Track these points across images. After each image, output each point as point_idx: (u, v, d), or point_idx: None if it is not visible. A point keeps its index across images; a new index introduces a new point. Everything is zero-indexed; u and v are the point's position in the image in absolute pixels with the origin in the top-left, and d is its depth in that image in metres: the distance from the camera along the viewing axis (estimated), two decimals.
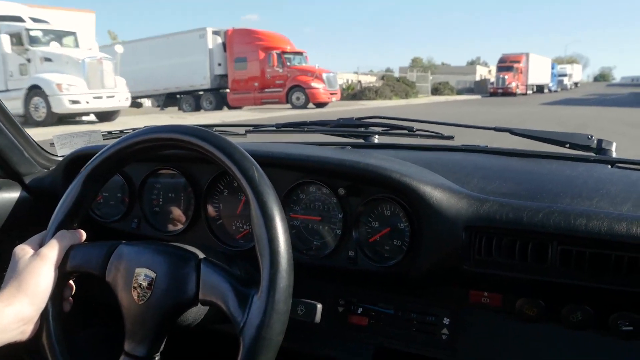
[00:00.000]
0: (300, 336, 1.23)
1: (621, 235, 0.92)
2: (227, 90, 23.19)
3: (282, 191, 1.21)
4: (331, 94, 22.03)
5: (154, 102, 25.64)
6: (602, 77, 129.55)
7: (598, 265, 0.94)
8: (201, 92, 23.29)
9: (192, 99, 23.43)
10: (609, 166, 1.25)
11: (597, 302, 1.02)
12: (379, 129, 1.47)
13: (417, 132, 1.40)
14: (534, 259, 0.98)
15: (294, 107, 20.96)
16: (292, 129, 1.53)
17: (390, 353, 1.18)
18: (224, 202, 1.32)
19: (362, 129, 1.50)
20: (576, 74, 67.74)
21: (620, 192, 1.05)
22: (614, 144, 1.35)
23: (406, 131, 1.41)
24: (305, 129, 1.50)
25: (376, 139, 1.55)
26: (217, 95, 23.20)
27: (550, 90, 47.84)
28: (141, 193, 1.40)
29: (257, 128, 1.58)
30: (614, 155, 1.33)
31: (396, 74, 41.13)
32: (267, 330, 0.78)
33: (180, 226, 1.36)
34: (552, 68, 51.04)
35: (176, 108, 23.82)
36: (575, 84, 66.86)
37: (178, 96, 23.77)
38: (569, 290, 1.00)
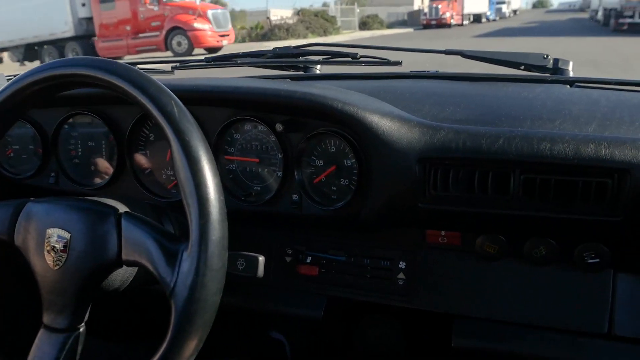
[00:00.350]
0: (245, 291, 1.14)
1: (589, 159, 0.84)
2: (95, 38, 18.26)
3: (214, 131, 1.08)
4: (221, 35, 17.87)
5: (11, 56, 19.89)
6: (540, 3, 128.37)
7: (564, 193, 0.86)
8: (66, 41, 18.25)
9: (54, 51, 18.06)
10: (568, 86, 1.17)
11: (561, 234, 0.95)
12: (320, 58, 1.34)
13: (362, 59, 1.28)
14: (494, 190, 0.89)
15: (176, 54, 16.90)
16: (224, 62, 1.37)
17: (344, 303, 1.10)
18: (151, 149, 1.18)
19: (301, 59, 1.36)
20: (515, 1, 65.26)
21: (582, 112, 0.97)
22: (571, 63, 1.27)
23: (349, 58, 1.29)
24: (239, 61, 1.35)
25: (317, 70, 1.42)
26: (85, 44, 18.15)
27: (488, 20, 45.55)
28: (56, 143, 1.24)
29: (184, 63, 1.42)
30: (571, 74, 1.24)
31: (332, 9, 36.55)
32: (201, 290, 0.68)
33: (104, 178, 1.21)
34: None
35: (39, 62, 17.35)
36: (514, 11, 64.26)
37: (36, 48, 18.62)
38: (531, 223, 0.93)
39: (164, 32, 17.14)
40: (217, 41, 17.48)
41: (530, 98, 1.08)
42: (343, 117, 0.95)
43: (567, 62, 1.28)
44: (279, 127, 1.02)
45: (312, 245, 1.12)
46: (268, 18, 27.09)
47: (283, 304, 1.14)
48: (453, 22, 34.45)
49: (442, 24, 33.30)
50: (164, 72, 1.39)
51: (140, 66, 1.39)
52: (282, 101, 1.01)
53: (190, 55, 15.89)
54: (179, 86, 1.02)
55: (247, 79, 1.20)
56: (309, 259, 1.12)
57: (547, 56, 1.27)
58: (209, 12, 17.43)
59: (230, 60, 1.36)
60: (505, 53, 1.28)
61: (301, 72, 1.40)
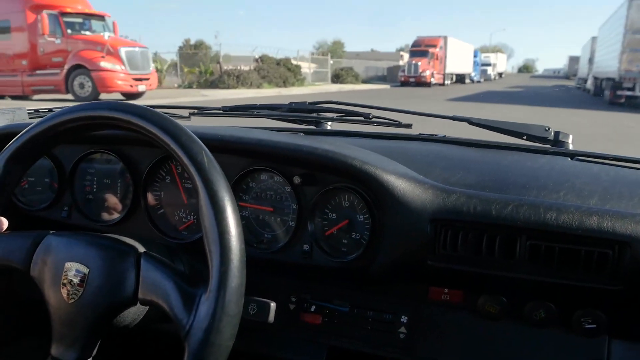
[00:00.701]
0: (249, 336, 1.15)
1: (592, 230, 0.89)
2: None
3: (231, 179, 1.12)
4: (137, 79, 14.49)
5: None
6: (525, 68, 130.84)
7: (566, 260, 0.91)
8: None
9: None
10: (569, 158, 1.23)
11: (561, 299, 0.99)
12: (334, 115, 1.39)
13: (374, 119, 1.34)
14: (501, 253, 0.93)
15: (78, 98, 13.83)
16: (240, 112, 1.43)
17: (345, 353, 1.12)
18: (166, 190, 1.21)
19: (315, 115, 1.42)
20: (500, 64, 63.46)
21: (585, 185, 1.03)
22: (570, 137, 1.34)
23: (362, 118, 1.35)
24: (255, 112, 1.41)
25: (329, 126, 1.48)
26: None
27: (472, 81, 44.04)
28: (72, 178, 1.27)
29: (201, 110, 1.47)
30: (571, 147, 1.31)
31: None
32: (217, 335, 0.70)
33: (116, 215, 1.24)
34: (475, 56, 46.75)
35: None
36: (500, 74, 62.89)
37: None
38: (533, 287, 0.97)
39: (64, 70, 14.16)
40: (131, 85, 14.37)
41: (535, 168, 1.14)
42: (361, 175, 0.99)
43: (567, 135, 1.34)
44: (296, 179, 1.07)
45: (317, 294, 1.14)
46: (218, 63, 23.63)
47: (285, 350, 1.15)
48: (434, 80, 31.97)
49: (421, 83, 30.64)
50: (181, 117, 1.44)
51: (160, 110, 1.44)
52: (303, 157, 1.06)
53: (97, 99, 12.09)
54: (205, 134, 1.06)
55: (264, 131, 1.25)
56: (313, 308, 1.14)
57: (549, 128, 1.34)
58: (122, 50, 14.30)
59: (246, 110, 1.41)
60: (508, 123, 1.35)
61: (313, 127, 1.46)
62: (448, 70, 35.80)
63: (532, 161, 1.19)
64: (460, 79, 40.51)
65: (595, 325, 0.97)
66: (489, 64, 54.20)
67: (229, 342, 0.71)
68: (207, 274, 0.72)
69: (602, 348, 0.98)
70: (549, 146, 1.31)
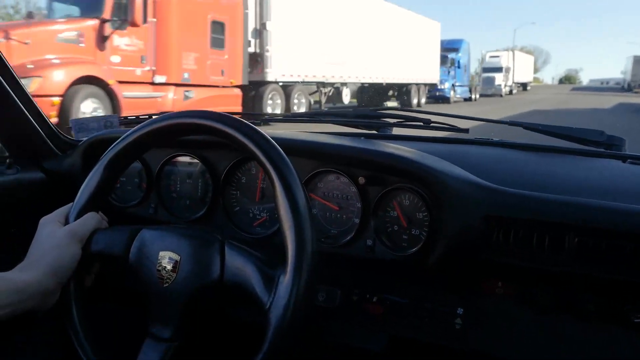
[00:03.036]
0: (317, 323, 1.25)
1: (636, 227, 0.94)
2: None
3: (301, 179, 1.22)
4: None
5: None
6: (567, 79, 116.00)
7: (613, 256, 0.96)
8: None
9: None
10: (622, 162, 1.27)
11: (610, 293, 1.04)
12: (394, 121, 1.49)
13: (432, 125, 1.42)
14: (550, 249, 1.00)
15: None
16: (306, 118, 1.54)
17: (404, 342, 1.20)
18: (242, 190, 1.33)
19: (377, 121, 1.52)
20: (523, 70, 42.63)
21: (635, 187, 1.08)
22: (626, 141, 1.38)
23: (421, 123, 1.43)
24: (321, 119, 1.52)
25: (390, 131, 1.56)
26: None
27: (444, 97, 26.67)
28: (159, 179, 1.41)
29: (271, 117, 1.59)
30: (626, 151, 1.35)
31: None
32: (294, 311, 0.79)
33: (197, 213, 1.37)
34: (450, 48, 27.45)
35: None
36: (522, 85, 44.56)
37: None
38: (582, 281, 1.03)
39: None
40: None
41: (587, 170, 1.19)
42: (420, 177, 1.08)
43: (622, 139, 1.38)
44: (361, 180, 1.17)
45: (378, 287, 1.22)
46: None
47: (348, 337, 1.24)
48: None
49: None
50: (255, 123, 1.56)
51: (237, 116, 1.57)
52: (367, 159, 1.15)
53: None
54: (277, 138, 1.18)
55: (329, 136, 1.35)
56: (374, 299, 1.22)
57: (603, 132, 1.39)
58: None
59: (312, 117, 1.52)
60: (562, 127, 1.40)
61: (375, 132, 1.55)
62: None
63: (585, 164, 1.24)
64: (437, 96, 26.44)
65: None
66: (497, 69, 35.89)
67: (304, 319, 0.81)
68: (283, 259, 0.82)
69: None
70: (602, 149, 1.35)
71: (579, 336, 1.07)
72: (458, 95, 27.07)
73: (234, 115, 0.93)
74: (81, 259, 0.93)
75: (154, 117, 1.01)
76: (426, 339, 1.17)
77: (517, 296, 1.12)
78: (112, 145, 0.99)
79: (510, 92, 38.78)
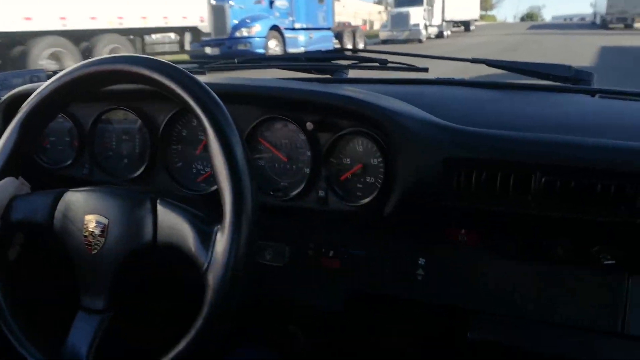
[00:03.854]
0: (269, 282, 1.17)
1: (608, 163, 0.87)
2: None
3: (246, 128, 1.12)
4: None
5: None
6: (529, 16, 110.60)
7: (583, 196, 0.89)
8: None
9: None
10: (590, 96, 1.19)
11: (579, 236, 0.98)
12: (349, 62, 1.38)
13: (390, 65, 1.32)
14: (515, 191, 0.92)
15: None
16: (255, 64, 1.42)
17: (364, 296, 1.13)
18: (183, 143, 1.22)
19: (329, 63, 1.41)
20: (463, 3, 29.86)
21: (604, 122, 1.00)
22: (595, 75, 1.30)
23: (377, 64, 1.33)
24: (270, 64, 1.40)
25: (345, 75, 1.46)
26: None
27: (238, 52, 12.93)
28: (92, 136, 1.29)
29: (216, 64, 1.47)
30: (595, 85, 1.27)
31: None
32: (234, 268, 0.72)
33: (136, 171, 1.26)
34: None
35: None
36: (465, 24, 32.93)
37: None
38: (549, 224, 0.96)
39: None
40: None
41: (554, 106, 1.11)
42: (374, 119, 0.99)
43: (590, 74, 1.30)
44: (309, 125, 1.06)
45: (334, 240, 1.15)
46: None
47: (305, 295, 1.17)
48: None
49: None
50: (197, 72, 1.44)
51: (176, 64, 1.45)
52: (315, 101, 1.05)
53: None
54: (215, 84, 1.07)
55: (278, 80, 1.25)
56: (331, 253, 1.15)
57: (571, 67, 1.30)
58: None
59: (261, 62, 1.41)
60: (528, 63, 1.31)
61: (328, 76, 1.44)
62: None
63: (552, 100, 1.16)
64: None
65: (614, 261, 0.96)
66: (414, 1, 23.88)
67: (246, 278, 0.74)
68: (221, 214, 0.74)
69: (622, 284, 0.97)
70: (570, 85, 1.27)
71: (547, 282, 1.02)
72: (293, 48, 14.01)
73: (161, 59, 0.82)
74: (1, 229, 0.85)
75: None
76: (387, 291, 1.12)
77: (481, 243, 1.05)
78: (27, 101, 0.88)
79: (440, 35, 26.37)
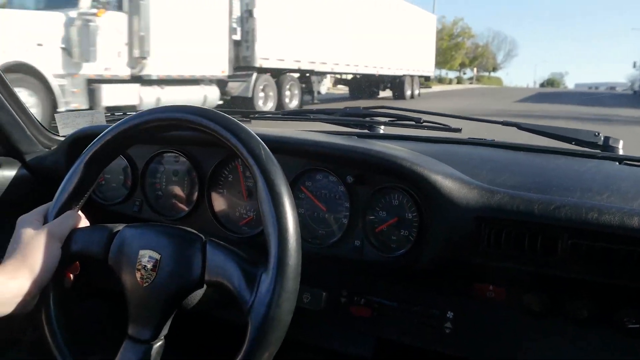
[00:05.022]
0: (302, 326, 1.22)
1: (632, 230, 0.91)
2: None
3: (289, 178, 1.19)
4: None
5: None
6: (550, 83, 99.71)
7: (607, 260, 0.94)
8: None
9: None
10: (617, 163, 1.25)
11: (604, 298, 1.01)
12: (386, 119, 1.46)
13: (424, 124, 1.39)
14: (543, 252, 0.97)
15: None
16: (297, 116, 1.51)
17: (392, 345, 1.17)
18: (228, 188, 1.30)
19: (369, 119, 1.49)
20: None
21: (630, 189, 1.05)
22: (621, 142, 1.35)
23: (413, 122, 1.40)
24: (311, 117, 1.49)
25: (382, 130, 1.54)
26: None
27: None
28: (144, 176, 1.38)
29: (261, 114, 1.56)
30: (621, 152, 1.32)
31: None
32: (276, 309, 0.76)
33: (183, 211, 1.34)
34: None
35: None
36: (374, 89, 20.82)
37: None
38: (575, 285, 1.00)
39: None
40: None
41: (581, 171, 1.17)
42: (410, 176, 1.05)
43: (617, 141, 1.36)
44: (349, 179, 1.14)
45: (367, 289, 1.20)
46: None
47: (335, 340, 1.21)
48: None
49: None
50: (243, 120, 1.53)
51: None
52: (356, 158, 1.12)
53: None
54: (264, 135, 1.15)
55: (321, 134, 1.32)
56: (362, 301, 1.19)
57: (599, 133, 1.36)
58: None
59: (303, 115, 1.49)
60: (558, 128, 1.38)
61: (366, 131, 1.52)
62: None
63: (579, 165, 1.21)
64: None
65: (638, 325, 0.99)
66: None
67: (288, 316, 0.78)
68: (266, 257, 0.79)
69: None
70: (598, 151, 1.32)
71: (571, 342, 1.05)
72: None
73: (218, 111, 0.90)
74: (60, 259, 0.89)
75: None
76: (415, 343, 1.15)
77: (509, 300, 1.09)
78: (93, 142, 0.95)
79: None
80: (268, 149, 0.84)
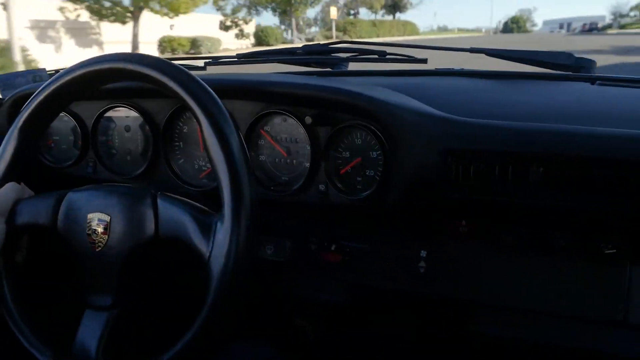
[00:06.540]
0: (271, 276, 1.18)
1: (606, 152, 0.86)
2: None
3: (245, 124, 1.13)
4: None
5: None
6: (516, 22, 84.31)
7: (581, 186, 0.89)
8: None
9: None
10: (590, 84, 1.18)
11: (578, 225, 0.98)
12: (348, 55, 1.38)
13: (388, 57, 1.32)
14: (514, 181, 0.92)
15: None
16: (255, 58, 1.42)
17: (366, 289, 1.14)
18: (184, 140, 1.23)
19: (328, 56, 1.41)
20: None
21: (604, 110, 1.00)
22: (595, 62, 1.29)
23: (376, 56, 1.32)
24: (270, 58, 1.40)
25: (345, 68, 1.46)
26: None
27: None
28: (94, 134, 1.30)
29: (216, 59, 1.47)
30: (595, 73, 1.26)
31: None
32: (235, 258, 0.73)
33: (139, 168, 1.27)
34: None
35: None
36: None
37: None
38: (549, 215, 0.96)
39: None
40: None
41: (553, 95, 1.11)
42: (372, 112, 0.99)
43: (591, 61, 1.29)
44: (308, 119, 1.06)
45: (336, 234, 1.16)
46: None
47: (307, 288, 1.18)
48: None
49: None
50: (197, 67, 1.45)
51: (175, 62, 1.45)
52: (313, 96, 1.05)
53: None
54: (214, 79, 1.07)
55: (278, 74, 1.25)
56: (333, 247, 1.15)
57: (571, 55, 1.30)
58: None
59: (260, 56, 1.41)
60: (528, 52, 1.30)
61: (329, 69, 1.44)
62: None
63: (551, 88, 1.15)
64: None
65: (615, 250, 0.96)
66: None
67: (248, 265, 0.75)
68: (220, 205, 0.75)
69: (623, 273, 0.97)
70: (570, 72, 1.26)
71: (548, 273, 1.02)
72: None
73: (158, 57, 0.82)
74: (6, 234, 0.85)
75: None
76: (389, 285, 1.12)
77: (482, 235, 1.05)
78: (26, 103, 0.88)
79: None
80: (211, 90, 0.78)
